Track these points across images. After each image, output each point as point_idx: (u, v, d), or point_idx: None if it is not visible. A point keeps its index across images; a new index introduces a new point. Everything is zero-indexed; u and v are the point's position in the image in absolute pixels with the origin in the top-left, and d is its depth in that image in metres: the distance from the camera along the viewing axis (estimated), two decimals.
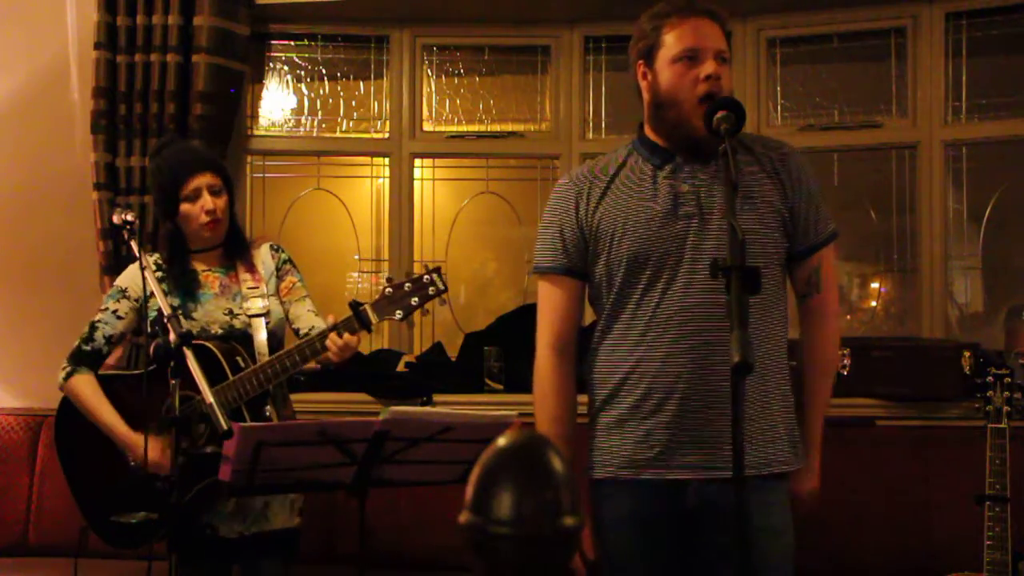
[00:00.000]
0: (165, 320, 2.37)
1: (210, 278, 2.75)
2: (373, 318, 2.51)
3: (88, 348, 2.73)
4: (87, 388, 2.71)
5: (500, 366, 3.70)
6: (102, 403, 2.69)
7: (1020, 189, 3.89)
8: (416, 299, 2.51)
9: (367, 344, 4.07)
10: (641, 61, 2.17)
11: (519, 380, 3.69)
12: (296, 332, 2.76)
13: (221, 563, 2.71)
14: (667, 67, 2.11)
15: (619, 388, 2.18)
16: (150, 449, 2.53)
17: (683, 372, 2.08)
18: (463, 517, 0.96)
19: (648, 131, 2.22)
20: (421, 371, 3.77)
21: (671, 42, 2.11)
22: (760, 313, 2.10)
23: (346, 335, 2.49)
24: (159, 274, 2.72)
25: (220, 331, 2.68)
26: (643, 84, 2.18)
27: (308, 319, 2.75)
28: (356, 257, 4.24)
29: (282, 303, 2.78)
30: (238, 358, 2.59)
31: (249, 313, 2.71)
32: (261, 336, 2.69)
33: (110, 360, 3.37)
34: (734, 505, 1.64)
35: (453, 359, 3.84)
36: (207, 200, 2.68)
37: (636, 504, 2.15)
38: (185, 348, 2.32)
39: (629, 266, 2.14)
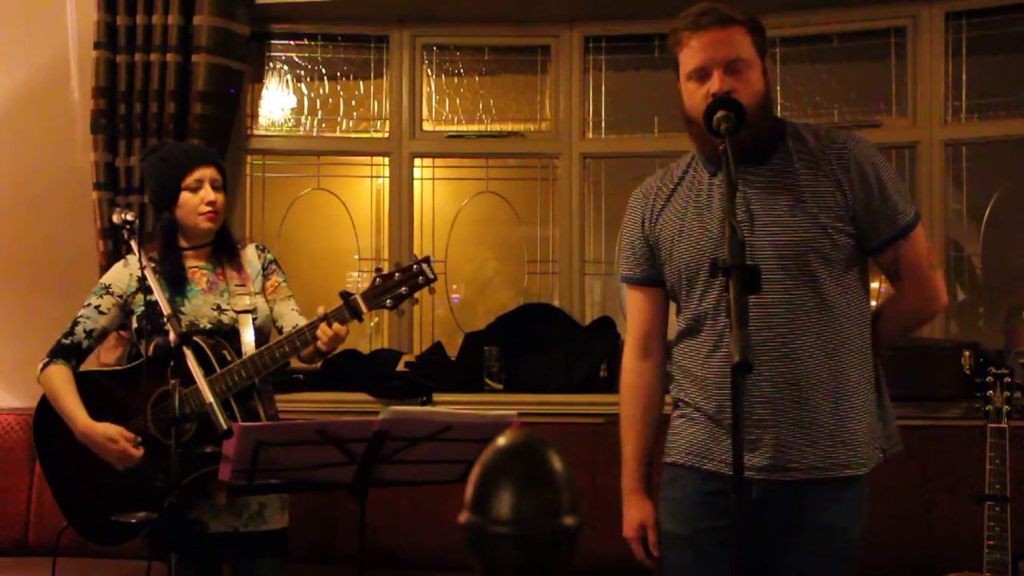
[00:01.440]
0: (165, 320, 2.38)
1: (197, 274, 2.77)
2: (363, 307, 2.53)
3: (67, 341, 2.75)
4: (57, 377, 2.72)
5: (500, 366, 3.70)
6: (67, 393, 2.70)
7: (1020, 189, 3.89)
8: (405, 288, 2.53)
9: (367, 344, 4.07)
10: (675, 73, 2.17)
11: (519, 380, 3.69)
12: (279, 330, 2.79)
13: (211, 560, 2.71)
14: (686, 84, 2.12)
15: (686, 392, 2.20)
16: (110, 435, 2.54)
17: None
18: (463, 517, 0.96)
19: None
20: (421, 371, 3.77)
21: (684, 60, 2.11)
22: (823, 315, 2.08)
23: (336, 325, 2.52)
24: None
25: (208, 326, 2.70)
26: (680, 97, 2.18)
27: (292, 317, 2.77)
28: (356, 257, 4.24)
29: (267, 301, 2.80)
30: (224, 352, 2.61)
31: (236, 309, 2.72)
32: (248, 332, 2.71)
33: (110, 360, 3.39)
34: (733, 502, 1.64)
35: (453, 359, 3.84)
36: (208, 191, 2.72)
37: (696, 488, 2.17)
38: (185, 348, 2.33)
39: (687, 274, 2.17)
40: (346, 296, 2.53)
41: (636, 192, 2.33)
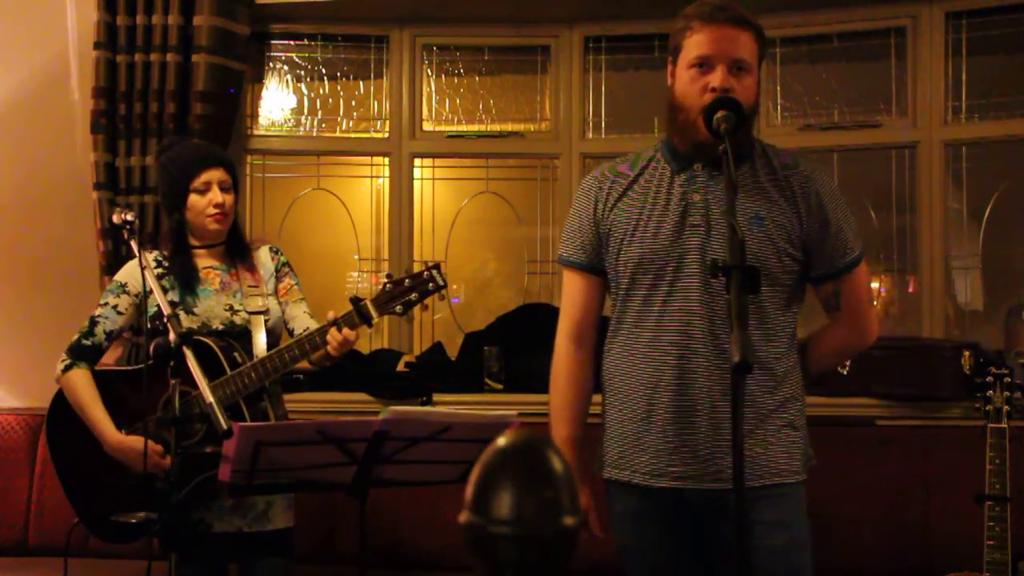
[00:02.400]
0: (165, 320, 2.38)
1: (211, 275, 2.76)
2: (373, 313, 2.53)
3: (88, 343, 2.74)
4: (83, 384, 2.71)
5: (500, 366, 3.70)
6: (94, 401, 2.70)
7: (1020, 189, 3.89)
8: (416, 294, 2.53)
9: (367, 344, 4.07)
10: (670, 58, 2.18)
11: (519, 380, 3.69)
12: (291, 332, 2.79)
13: (216, 560, 2.71)
14: (684, 71, 2.12)
15: (618, 390, 2.20)
16: (137, 451, 2.55)
17: (671, 380, 2.10)
18: (463, 517, 0.95)
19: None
20: (421, 371, 3.77)
21: (690, 47, 2.11)
22: (763, 331, 2.11)
23: (345, 330, 2.52)
24: (159, 270, 2.74)
25: (221, 327, 2.70)
26: (669, 82, 2.18)
27: (303, 320, 2.78)
28: (356, 257, 4.24)
29: (279, 304, 2.81)
30: (235, 354, 2.61)
31: (249, 310, 2.72)
32: (260, 333, 2.71)
33: (110, 360, 3.39)
34: (733, 503, 1.64)
35: (453, 359, 3.84)
36: (216, 194, 2.71)
37: (637, 503, 2.18)
38: (185, 347, 2.33)
39: (634, 271, 2.17)
40: (356, 301, 2.53)
41: (591, 176, 2.30)
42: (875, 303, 2.32)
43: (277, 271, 2.85)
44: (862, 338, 2.30)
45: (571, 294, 2.31)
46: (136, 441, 2.62)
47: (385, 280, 2.57)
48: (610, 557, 2.28)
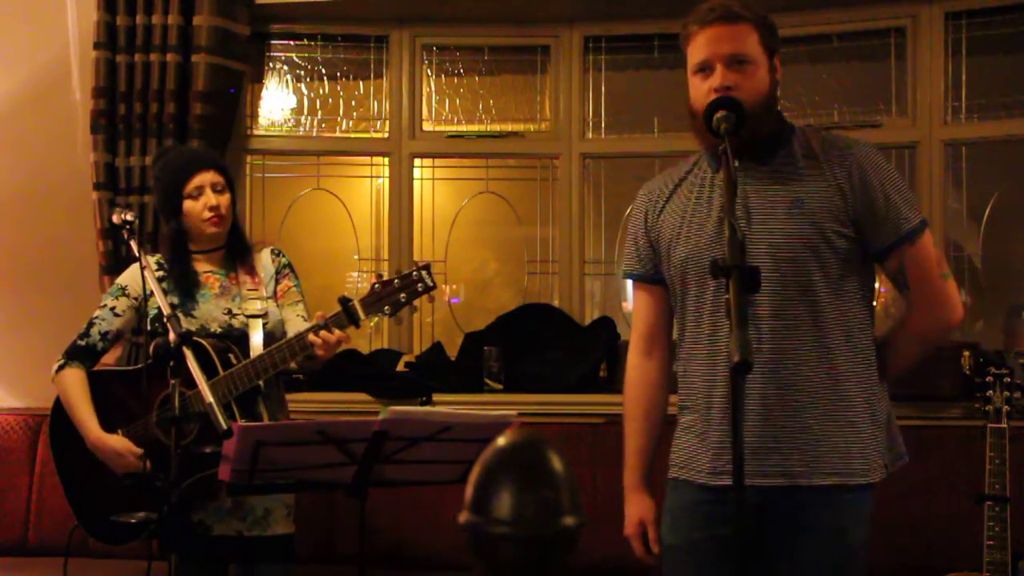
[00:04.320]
0: (164, 320, 2.38)
1: (211, 279, 2.77)
2: (361, 314, 2.52)
3: (83, 343, 2.75)
4: (72, 382, 2.73)
5: (500, 366, 3.70)
6: (81, 399, 2.72)
7: (1020, 189, 3.89)
8: (404, 295, 2.52)
9: (367, 344, 4.07)
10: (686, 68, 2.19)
11: (519, 380, 3.69)
12: (284, 335, 2.78)
13: (215, 562, 2.71)
14: (692, 78, 2.14)
15: (684, 393, 2.21)
16: (119, 449, 2.55)
17: (726, 378, 2.03)
18: (463, 517, 0.95)
19: None
20: (421, 371, 3.77)
21: (692, 53, 2.13)
22: (815, 319, 2.06)
23: (336, 331, 2.51)
24: (160, 274, 2.74)
25: (219, 330, 2.70)
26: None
27: (296, 323, 2.77)
28: (356, 257, 4.24)
29: (278, 306, 2.80)
30: (230, 355, 2.61)
31: (247, 313, 2.72)
32: (257, 336, 2.70)
33: (109, 360, 3.39)
34: (733, 504, 1.64)
35: (453, 359, 3.84)
36: (210, 197, 2.71)
37: (694, 498, 2.16)
38: (185, 348, 2.33)
39: (684, 273, 2.17)
40: (344, 302, 2.53)
41: (643, 188, 2.33)
42: (950, 279, 2.20)
43: (277, 273, 2.84)
44: (944, 315, 2.16)
45: (636, 307, 2.34)
46: (115, 440, 2.65)
47: (374, 281, 2.56)
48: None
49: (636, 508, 2.27)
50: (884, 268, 2.17)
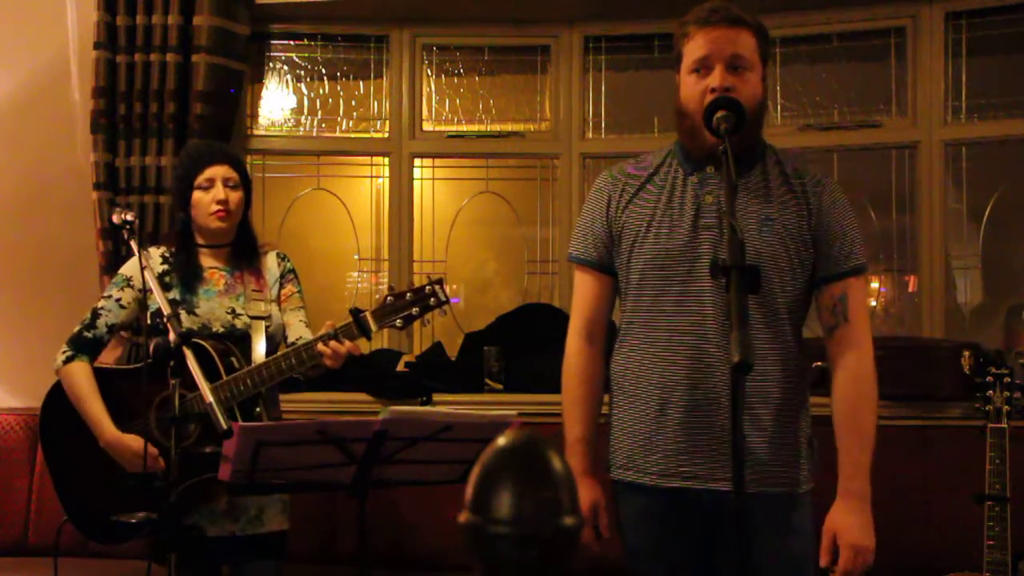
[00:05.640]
0: (165, 320, 2.37)
1: (215, 275, 2.75)
2: (373, 325, 2.52)
3: (89, 335, 2.72)
4: (83, 376, 2.69)
5: (500, 366, 3.70)
6: (93, 395, 2.67)
7: (1020, 189, 3.89)
8: (417, 309, 2.52)
9: (366, 345, 4.07)
10: (676, 68, 2.19)
11: (519, 380, 3.69)
12: (285, 339, 2.77)
13: (209, 563, 2.71)
14: (686, 77, 2.14)
15: (628, 391, 2.21)
16: (136, 449, 2.54)
17: (684, 381, 2.10)
18: (463, 517, 0.95)
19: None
20: (421, 371, 3.77)
21: (688, 52, 2.13)
22: (776, 333, 2.12)
23: (346, 341, 2.51)
24: (165, 265, 2.73)
25: (221, 329, 2.68)
26: (676, 90, 2.19)
27: (298, 329, 2.76)
28: (356, 257, 4.24)
29: (280, 310, 2.79)
30: (232, 358, 2.60)
31: (251, 315, 2.71)
32: (260, 339, 2.69)
33: (109, 360, 3.38)
34: (733, 504, 1.64)
35: (453, 359, 3.84)
36: (220, 190, 2.69)
37: (645, 503, 2.18)
38: (185, 348, 2.32)
39: (646, 270, 2.17)
40: (356, 313, 2.52)
41: (604, 174, 2.31)
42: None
43: (282, 277, 2.83)
44: (872, 367, 2.16)
45: (582, 293, 2.32)
46: (133, 440, 2.60)
47: (387, 292, 2.55)
48: (610, 557, 2.28)
49: (586, 493, 2.23)
50: (823, 296, 2.18)
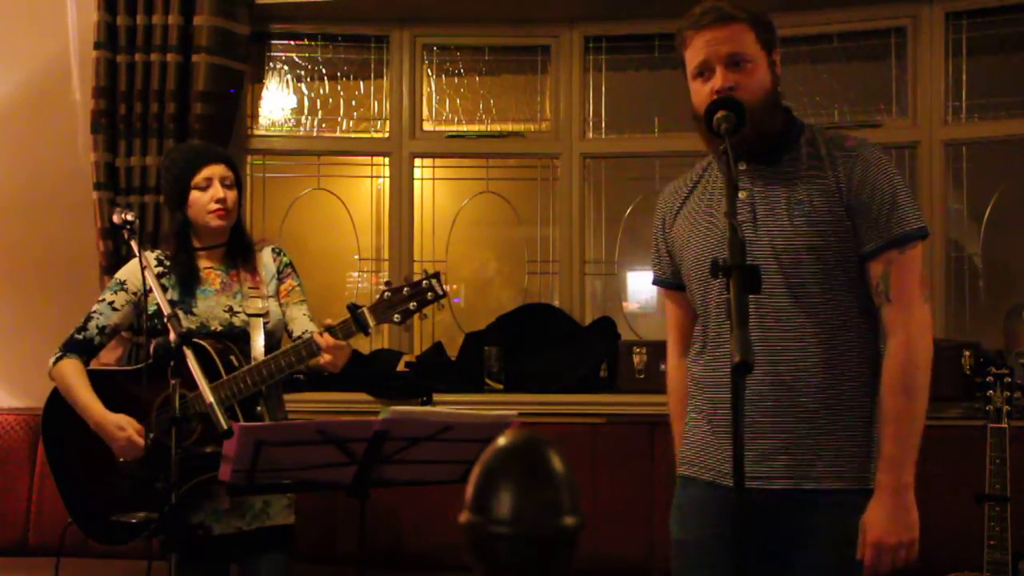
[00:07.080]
0: (165, 320, 2.38)
1: (212, 275, 2.76)
2: (370, 321, 2.52)
3: (80, 337, 2.75)
4: (70, 371, 2.72)
5: (500, 366, 3.70)
6: (82, 386, 2.70)
7: (1020, 189, 3.89)
8: (414, 303, 2.52)
9: (367, 344, 4.07)
10: (684, 74, 2.18)
11: (519, 380, 3.69)
12: (290, 334, 2.78)
13: (217, 563, 2.71)
14: (692, 83, 2.14)
15: (691, 395, 2.24)
16: (126, 432, 2.55)
17: (724, 385, 2.04)
18: (463, 517, 0.95)
19: None
20: (421, 371, 3.77)
21: (689, 59, 2.13)
22: (813, 321, 2.06)
23: (343, 340, 2.51)
24: (160, 268, 2.74)
25: (220, 328, 2.69)
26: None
27: (303, 323, 2.77)
28: (356, 257, 4.24)
29: (280, 305, 2.80)
30: (232, 357, 2.60)
31: (248, 312, 2.72)
32: (259, 336, 2.70)
33: (110, 360, 3.39)
34: (734, 504, 1.64)
35: (453, 359, 3.84)
36: (218, 189, 2.71)
37: (703, 495, 2.18)
38: (185, 348, 2.33)
39: (693, 276, 2.19)
40: (353, 309, 2.52)
41: (661, 194, 2.35)
42: (928, 303, 2.08)
43: (279, 272, 2.84)
44: (912, 350, 2.03)
45: (669, 311, 2.38)
46: (117, 417, 2.63)
47: (383, 288, 2.56)
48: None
49: None
50: (868, 276, 2.09)
